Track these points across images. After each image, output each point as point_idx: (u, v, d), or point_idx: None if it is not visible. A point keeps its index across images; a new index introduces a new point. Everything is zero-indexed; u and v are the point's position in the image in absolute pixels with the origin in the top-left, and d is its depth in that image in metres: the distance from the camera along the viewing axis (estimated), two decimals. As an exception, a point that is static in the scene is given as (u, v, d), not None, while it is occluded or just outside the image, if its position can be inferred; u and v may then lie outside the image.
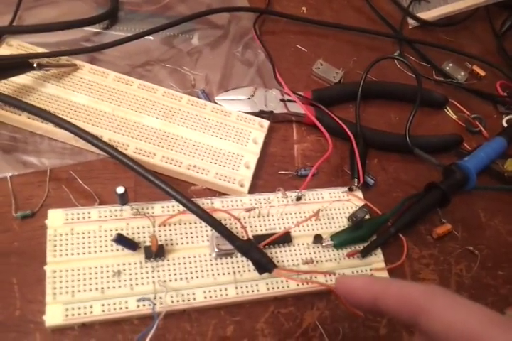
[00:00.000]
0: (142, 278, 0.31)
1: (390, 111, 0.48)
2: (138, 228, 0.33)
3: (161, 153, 0.37)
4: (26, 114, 0.36)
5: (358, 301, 0.22)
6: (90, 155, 0.37)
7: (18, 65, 0.37)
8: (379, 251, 0.37)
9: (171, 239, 0.33)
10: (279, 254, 0.34)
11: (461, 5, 0.56)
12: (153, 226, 0.33)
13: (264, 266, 0.31)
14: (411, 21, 0.56)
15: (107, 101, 0.39)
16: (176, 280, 0.32)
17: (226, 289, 0.32)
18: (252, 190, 0.38)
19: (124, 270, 0.31)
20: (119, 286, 0.31)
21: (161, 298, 0.31)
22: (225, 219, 0.34)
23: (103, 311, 0.30)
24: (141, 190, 0.36)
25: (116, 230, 0.32)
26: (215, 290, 0.32)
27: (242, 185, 0.37)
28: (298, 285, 0.33)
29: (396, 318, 0.20)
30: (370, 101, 0.47)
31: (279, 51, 0.48)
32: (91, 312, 0.29)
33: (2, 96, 0.34)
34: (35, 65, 0.37)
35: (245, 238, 0.33)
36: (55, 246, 0.31)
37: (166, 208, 0.34)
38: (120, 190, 0.31)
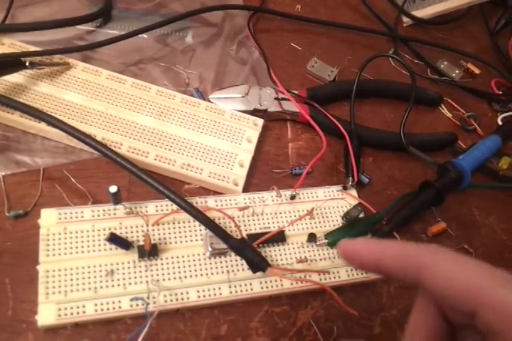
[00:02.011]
0: (135, 278, 0.31)
1: (384, 109, 0.48)
2: (131, 227, 0.33)
3: (155, 152, 0.37)
4: (19, 113, 0.36)
5: (361, 264, 0.22)
6: (83, 154, 0.37)
7: (11, 63, 0.37)
8: (373, 250, 0.36)
9: (165, 238, 0.33)
10: (273, 253, 0.34)
11: (456, 3, 0.56)
12: (147, 226, 0.33)
13: (258, 264, 0.31)
14: (405, 19, 0.56)
15: (100, 100, 0.39)
16: (169, 279, 0.31)
17: (220, 288, 0.32)
18: (246, 188, 0.38)
19: (117, 269, 0.31)
20: (112, 286, 0.30)
21: (154, 297, 0.30)
22: (219, 218, 0.34)
23: (96, 311, 0.29)
24: (135, 189, 0.36)
25: (110, 229, 0.32)
26: (208, 290, 0.32)
27: (236, 184, 0.37)
28: (292, 284, 0.33)
29: (399, 278, 0.20)
30: (364, 100, 0.47)
31: (273, 49, 0.48)
32: (84, 312, 0.29)
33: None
34: (27, 64, 0.37)
35: (239, 237, 0.33)
36: (48, 245, 0.31)
37: (159, 207, 0.34)
38: (113, 189, 0.31)
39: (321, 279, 0.34)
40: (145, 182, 0.32)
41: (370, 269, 0.22)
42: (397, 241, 0.21)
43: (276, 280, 0.33)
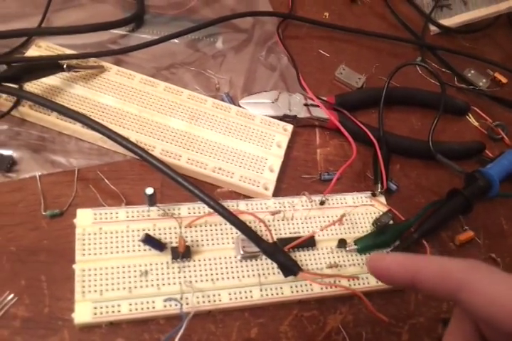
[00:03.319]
0: (169, 279, 0.31)
1: (411, 117, 0.48)
2: (165, 229, 0.33)
3: (187, 155, 0.37)
4: (55, 114, 0.37)
5: (393, 279, 0.21)
6: (117, 156, 0.38)
7: (49, 66, 0.38)
8: (402, 257, 0.36)
9: (197, 241, 0.33)
10: (303, 258, 0.35)
11: (483, 12, 0.56)
12: (180, 228, 0.34)
13: (290, 268, 0.32)
14: (433, 28, 0.56)
15: (133, 103, 0.39)
16: (201, 281, 0.32)
17: (251, 291, 0.32)
18: (276, 193, 0.38)
19: (151, 270, 0.32)
20: (146, 286, 0.31)
21: (187, 298, 0.31)
22: (250, 222, 0.35)
23: (130, 310, 0.30)
24: (167, 191, 0.37)
25: (144, 230, 0.33)
26: (240, 292, 0.32)
27: (266, 188, 0.37)
28: (321, 288, 0.33)
29: (434, 295, 0.20)
30: (392, 107, 0.47)
31: (302, 56, 0.48)
32: (119, 311, 0.30)
33: (35, 97, 0.35)
34: (65, 66, 0.38)
35: (270, 241, 0.33)
36: (84, 245, 0.32)
37: (192, 210, 0.35)
38: (149, 190, 0.31)
39: (350, 285, 0.34)
40: (181, 185, 0.33)
41: (402, 285, 0.21)
42: (432, 257, 0.21)
43: (306, 285, 0.33)
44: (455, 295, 0.19)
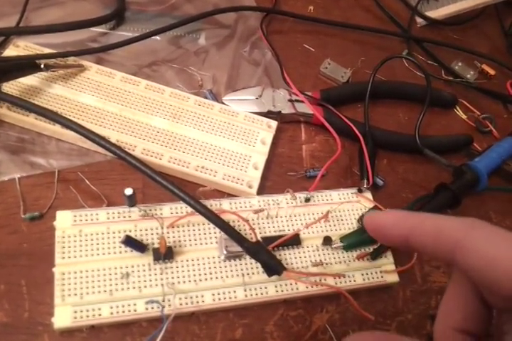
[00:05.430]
0: (151, 280, 0.31)
1: (398, 110, 0.47)
2: (146, 230, 0.33)
3: (169, 154, 0.37)
4: (34, 115, 0.36)
5: (389, 238, 0.20)
6: (98, 156, 0.37)
7: (26, 65, 0.37)
8: (389, 253, 0.36)
9: (180, 241, 0.33)
10: (287, 256, 0.34)
11: (470, 3, 0.55)
12: (162, 228, 0.33)
13: (274, 268, 0.31)
14: (419, 20, 0.55)
15: (114, 102, 0.39)
16: (184, 282, 0.31)
17: (235, 291, 0.32)
18: (261, 191, 0.37)
19: (133, 272, 0.31)
20: (128, 288, 0.30)
21: (169, 300, 0.30)
22: (234, 221, 0.34)
23: (111, 313, 0.29)
24: (149, 191, 0.36)
25: (125, 232, 0.32)
26: (223, 293, 0.32)
27: (250, 186, 0.37)
28: (307, 287, 0.33)
29: (430, 255, 0.19)
30: (378, 101, 0.47)
31: (286, 51, 0.48)
32: (99, 315, 0.29)
33: (10, 98, 0.34)
34: (42, 66, 0.37)
35: (254, 240, 0.33)
36: (64, 247, 0.31)
37: (174, 209, 0.34)
38: (128, 191, 0.31)
39: (336, 283, 0.34)
40: (160, 184, 0.32)
41: (398, 245, 0.20)
42: (430, 215, 0.19)
43: (291, 284, 0.33)
44: (451, 256, 0.17)
